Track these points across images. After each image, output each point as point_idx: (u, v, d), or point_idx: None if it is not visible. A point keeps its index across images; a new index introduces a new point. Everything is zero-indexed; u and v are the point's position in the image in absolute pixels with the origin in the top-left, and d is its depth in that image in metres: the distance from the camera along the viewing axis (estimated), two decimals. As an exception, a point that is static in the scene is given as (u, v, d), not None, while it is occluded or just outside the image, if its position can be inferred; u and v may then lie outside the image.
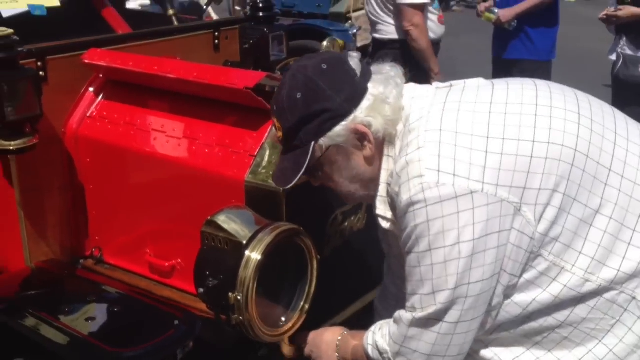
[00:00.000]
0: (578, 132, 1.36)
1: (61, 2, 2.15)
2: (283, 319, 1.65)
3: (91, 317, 1.73)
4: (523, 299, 1.38)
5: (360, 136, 1.42)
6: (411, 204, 1.32)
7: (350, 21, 6.52)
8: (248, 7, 2.61)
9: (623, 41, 3.98)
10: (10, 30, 1.73)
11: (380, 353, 1.48)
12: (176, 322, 1.65)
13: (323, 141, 1.42)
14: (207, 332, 1.72)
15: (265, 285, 1.60)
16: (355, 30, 6.14)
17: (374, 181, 1.48)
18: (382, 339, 1.48)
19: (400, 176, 1.35)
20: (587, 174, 1.34)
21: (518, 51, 4.49)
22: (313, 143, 1.42)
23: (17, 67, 1.78)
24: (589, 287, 1.35)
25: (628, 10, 3.93)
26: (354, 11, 6.71)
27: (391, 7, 3.84)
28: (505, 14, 4.33)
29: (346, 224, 1.97)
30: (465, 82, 1.50)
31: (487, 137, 1.33)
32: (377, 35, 4.06)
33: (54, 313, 1.75)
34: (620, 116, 1.48)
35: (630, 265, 1.35)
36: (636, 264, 1.35)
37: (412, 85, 1.50)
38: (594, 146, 1.37)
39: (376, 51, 4.08)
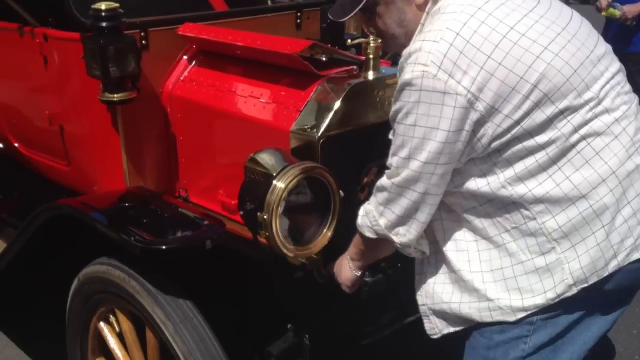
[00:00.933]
0: (561, 85, 1.60)
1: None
2: (309, 240, 2.02)
3: (152, 220, 2.19)
4: (458, 181, 1.70)
5: None
6: (409, 83, 1.62)
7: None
8: (330, -9, 2.97)
9: None
10: (116, 4, 2.23)
11: (367, 215, 1.83)
12: (206, 222, 2.09)
13: None
14: (251, 250, 2.13)
15: (296, 214, 1.99)
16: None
17: (414, 32, 1.74)
18: (368, 206, 1.84)
19: (411, 56, 1.64)
20: (548, 120, 1.61)
21: (635, 45, 4.50)
22: None
23: (121, 34, 2.27)
24: (503, 192, 1.65)
25: None
26: None
27: None
28: (632, 9, 4.36)
29: (382, 175, 2.29)
30: None
31: (488, 57, 1.58)
32: None
33: (126, 217, 2.22)
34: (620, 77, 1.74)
35: (541, 191, 1.62)
36: (545, 192, 1.62)
37: None
38: (570, 92, 1.62)
39: None
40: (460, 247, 1.78)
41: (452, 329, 1.84)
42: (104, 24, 2.20)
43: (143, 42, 2.44)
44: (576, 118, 1.63)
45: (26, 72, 2.82)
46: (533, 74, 1.58)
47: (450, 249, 1.80)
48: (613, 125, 1.65)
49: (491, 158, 1.65)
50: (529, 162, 1.63)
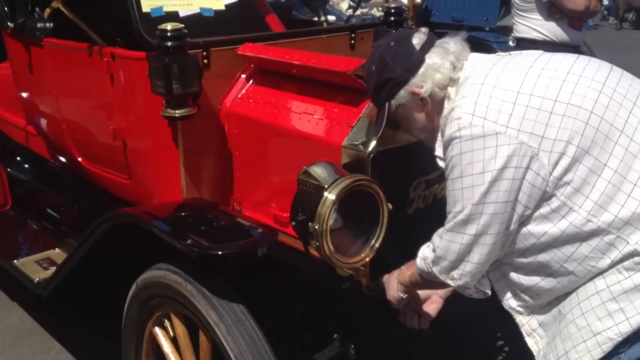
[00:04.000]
0: (597, 98, 1.73)
1: (225, 6, 2.86)
2: (357, 252, 2.17)
3: (208, 227, 2.37)
4: (537, 230, 1.77)
5: (419, 97, 1.91)
6: (451, 139, 1.79)
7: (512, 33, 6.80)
8: (383, 12, 3.15)
9: None
10: (182, 25, 2.44)
11: (424, 260, 1.97)
12: (260, 231, 2.26)
13: (394, 102, 1.97)
14: (302, 261, 2.29)
15: (345, 226, 2.14)
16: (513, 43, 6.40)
17: (437, 131, 1.96)
18: (426, 250, 1.98)
19: (447, 118, 1.84)
20: (599, 132, 1.70)
21: None
22: (387, 104, 1.97)
23: (185, 53, 2.49)
24: (590, 227, 1.71)
25: None
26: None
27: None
28: None
29: (429, 190, 2.43)
30: (523, 52, 1.92)
31: (518, 92, 1.74)
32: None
33: (184, 224, 2.42)
34: None
35: (627, 213, 1.69)
36: (631, 212, 1.68)
37: (478, 54, 1.96)
38: (610, 111, 1.73)
39: None
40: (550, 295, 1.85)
41: None
42: (169, 44, 2.42)
43: (205, 61, 2.65)
44: (627, 127, 1.72)
45: (93, 90, 3.07)
46: (564, 95, 1.72)
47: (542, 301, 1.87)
48: None
49: (561, 192, 1.70)
50: (601, 185, 1.70)
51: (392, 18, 3.11)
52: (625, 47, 10.16)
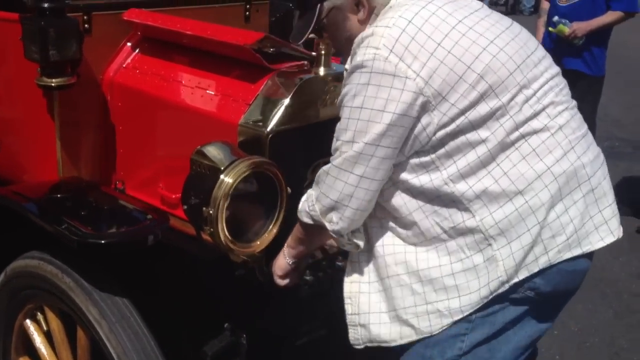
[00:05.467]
0: (505, 79, 1.72)
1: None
2: (253, 238, 2.05)
3: (91, 211, 2.17)
4: (398, 177, 1.78)
5: (357, 1, 1.84)
6: (361, 66, 1.72)
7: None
8: (280, -16, 3.01)
9: None
10: (60, -15, 2.20)
11: (307, 199, 1.89)
12: (149, 217, 2.09)
13: (327, 3, 1.87)
14: (192, 247, 2.14)
15: (241, 210, 2.01)
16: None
17: None
18: (310, 191, 1.90)
19: (363, 40, 1.76)
20: (491, 112, 1.71)
21: (575, 63, 4.68)
22: (319, 5, 1.87)
23: (63, 16, 2.24)
24: (445, 190, 1.74)
25: None
26: None
27: None
28: (581, 27, 4.51)
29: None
30: None
31: (438, 45, 1.70)
32: None
33: (62, 208, 2.20)
34: (561, 82, 1.87)
35: (480, 187, 1.72)
36: (484, 187, 1.72)
37: None
38: (510, 93, 1.73)
39: None
40: (398, 250, 1.85)
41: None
42: (45, 5, 2.17)
43: (86, 25, 2.41)
44: (517, 114, 1.74)
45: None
46: (479, 64, 1.70)
47: (387, 253, 1.86)
48: (550, 123, 1.78)
49: (435, 151, 1.73)
50: (471, 157, 1.72)
51: (288, -11, 2.98)
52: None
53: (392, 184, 1.81)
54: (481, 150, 1.72)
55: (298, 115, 2.19)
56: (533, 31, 5.04)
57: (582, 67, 4.79)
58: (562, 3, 4.75)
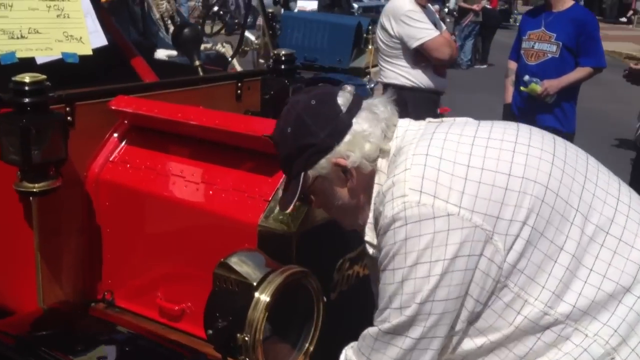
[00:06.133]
0: (550, 171, 1.50)
1: (92, 51, 2.34)
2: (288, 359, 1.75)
3: (102, 357, 1.84)
4: (486, 328, 1.50)
5: (343, 168, 1.58)
6: (393, 221, 1.46)
7: (368, 76, 6.78)
8: (271, 60, 2.78)
9: None
10: (44, 77, 1.91)
11: None
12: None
13: (311, 172, 1.60)
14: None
15: (272, 325, 1.72)
16: (372, 85, 6.40)
17: (361, 210, 1.64)
18: (351, 353, 1.60)
19: (386, 195, 1.50)
20: (555, 212, 1.48)
21: (549, 120, 4.62)
22: (303, 174, 1.59)
23: (47, 111, 1.95)
24: (546, 320, 1.47)
25: None
26: (373, 66, 6.97)
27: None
28: (553, 85, 4.45)
29: (352, 270, 2.09)
30: (455, 119, 1.66)
31: (468, 166, 1.47)
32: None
33: (66, 352, 1.87)
34: (593, 163, 1.63)
35: (585, 302, 1.47)
36: (590, 301, 1.47)
37: (407, 120, 1.66)
38: (564, 186, 1.51)
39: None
40: None
41: None
42: (26, 100, 1.87)
43: (69, 118, 2.12)
44: (582, 205, 1.51)
45: None
46: (518, 168, 1.49)
47: None
48: (619, 205, 1.56)
49: (515, 282, 1.47)
50: (558, 272, 1.47)
51: (282, 66, 2.75)
52: (479, 87, 10.64)
53: (478, 333, 1.52)
54: (564, 259, 1.47)
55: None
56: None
57: (556, 124, 4.71)
58: (531, 62, 4.69)
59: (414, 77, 4.41)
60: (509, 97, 4.80)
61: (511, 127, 1.60)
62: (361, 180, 1.60)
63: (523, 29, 4.67)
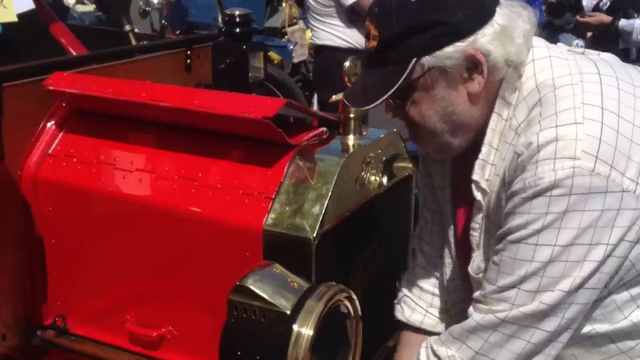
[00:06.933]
0: None
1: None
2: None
3: None
4: (597, 316, 1.28)
5: (472, 65, 1.25)
6: (552, 187, 1.17)
7: (286, 36, 6.40)
8: (221, 22, 2.37)
9: None
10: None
11: None
12: None
13: (427, 60, 1.24)
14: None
15: None
16: (292, 46, 6.03)
17: (467, 129, 1.32)
18: (443, 348, 1.31)
19: (543, 150, 1.19)
20: None
21: None
22: (415, 59, 1.23)
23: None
24: None
25: (598, 17, 4.02)
26: (289, 25, 6.58)
27: None
28: None
29: (366, 271, 1.80)
30: (600, 54, 1.36)
31: None
32: None
33: None
34: None
35: None
36: None
37: (541, 39, 1.34)
38: None
39: None
40: None
41: None
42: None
43: (-5, 103, 1.65)
44: None
45: None
46: None
47: None
48: None
49: None
50: None
51: (237, 29, 2.35)
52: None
53: (586, 321, 1.28)
54: None
55: (339, 207, 1.60)
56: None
57: None
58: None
59: (350, 37, 4.09)
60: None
61: None
62: (487, 87, 1.28)
63: None
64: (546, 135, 1.19)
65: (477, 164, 1.31)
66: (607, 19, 4.00)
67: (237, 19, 2.34)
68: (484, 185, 1.32)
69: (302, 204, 1.56)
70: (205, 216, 1.63)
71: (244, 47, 2.32)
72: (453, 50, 1.23)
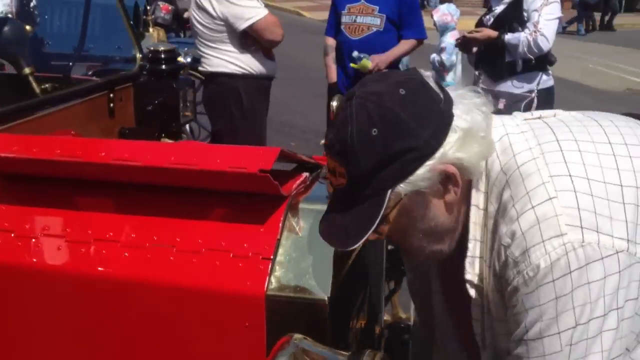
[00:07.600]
0: None
1: None
2: None
3: None
4: None
5: (446, 177, 1.18)
6: (551, 271, 1.12)
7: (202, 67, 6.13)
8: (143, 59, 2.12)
9: (482, 77, 4.17)
10: None
11: None
12: None
13: (402, 187, 1.17)
14: None
15: None
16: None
17: (452, 232, 1.26)
18: None
19: (528, 237, 1.14)
20: None
21: None
22: (390, 191, 1.16)
23: None
24: None
25: (485, 32, 4.10)
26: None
27: None
28: (382, 60, 4.30)
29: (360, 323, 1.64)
30: (555, 113, 1.31)
31: (620, 185, 1.17)
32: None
33: None
34: None
35: None
36: None
37: (498, 117, 1.27)
38: None
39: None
40: None
41: None
42: None
43: None
44: None
45: None
46: None
47: None
48: None
49: None
50: None
51: (163, 66, 2.11)
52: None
53: None
54: None
55: (342, 260, 1.44)
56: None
57: None
58: (355, 37, 4.51)
59: (244, 62, 3.89)
60: (333, 76, 4.58)
61: (623, 122, 1.28)
62: (462, 189, 1.22)
63: (340, 3, 4.45)
64: (526, 219, 1.15)
65: (467, 262, 1.24)
66: (493, 33, 4.09)
67: (162, 55, 2.11)
68: (477, 281, 1.25)
69: (307, 262, 1.38)
70: (191, 287, 1.40)
71: (174, 84, 2.09)
72: (425, 171, 1.16)
